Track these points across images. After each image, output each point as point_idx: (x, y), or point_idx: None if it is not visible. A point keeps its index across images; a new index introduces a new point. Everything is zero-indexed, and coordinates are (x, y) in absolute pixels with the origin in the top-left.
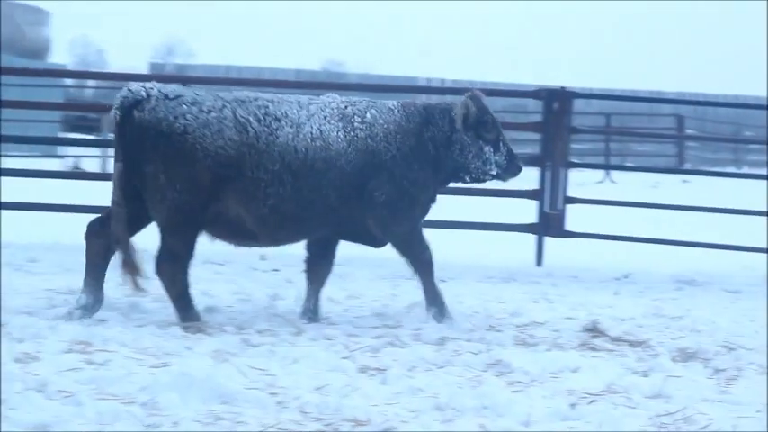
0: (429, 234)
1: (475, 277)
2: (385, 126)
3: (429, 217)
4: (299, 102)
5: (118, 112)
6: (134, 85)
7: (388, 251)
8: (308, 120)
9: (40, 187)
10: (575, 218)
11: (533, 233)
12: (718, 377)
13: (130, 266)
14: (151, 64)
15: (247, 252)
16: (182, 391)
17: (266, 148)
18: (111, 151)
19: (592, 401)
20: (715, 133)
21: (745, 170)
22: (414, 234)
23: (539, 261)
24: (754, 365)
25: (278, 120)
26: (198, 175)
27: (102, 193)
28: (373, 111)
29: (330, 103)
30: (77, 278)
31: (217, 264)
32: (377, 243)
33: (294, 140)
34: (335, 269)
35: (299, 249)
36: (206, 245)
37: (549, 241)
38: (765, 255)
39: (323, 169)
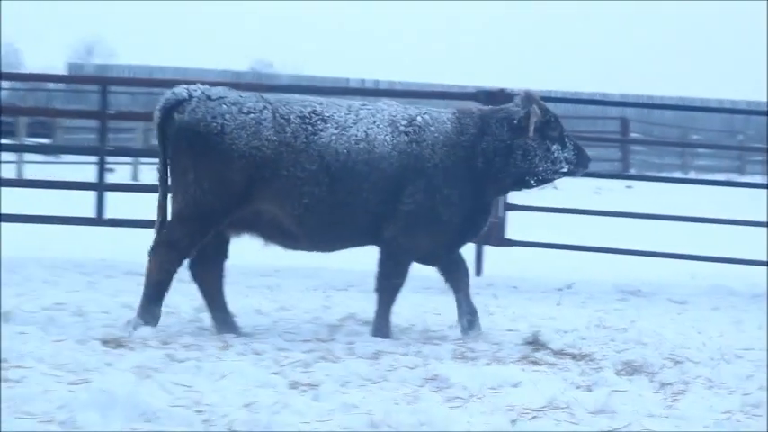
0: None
1: (410, 288)
2: (435, 135)
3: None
4: (348, 106)
5: (159, 114)
6: (178, 88)
7: (319, 260)
8: (355, 123)
9: None
10: (515, 225)
11: (472, 242)
12: (664, 391)
13: None
14: (69, 64)
15: None
16: (102, 410)
17: (305, 147)
18: (28, 156)
19: (533, 417)
20: (661, 137)
21: (692, 175)
22: (409, 256)
23: (478, 271)
24: (702, 379)
25: (324, 120)
26: (229, 177)
27: (20, 201)
28: (426, 116)
29: (383, 109)
30: None
31: (139, 275)
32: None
33: (336, 142)
34: (265, 281)
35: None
36: (126, 254)
37: (488, 250)
38: (710, 263)
39: (364, 172)
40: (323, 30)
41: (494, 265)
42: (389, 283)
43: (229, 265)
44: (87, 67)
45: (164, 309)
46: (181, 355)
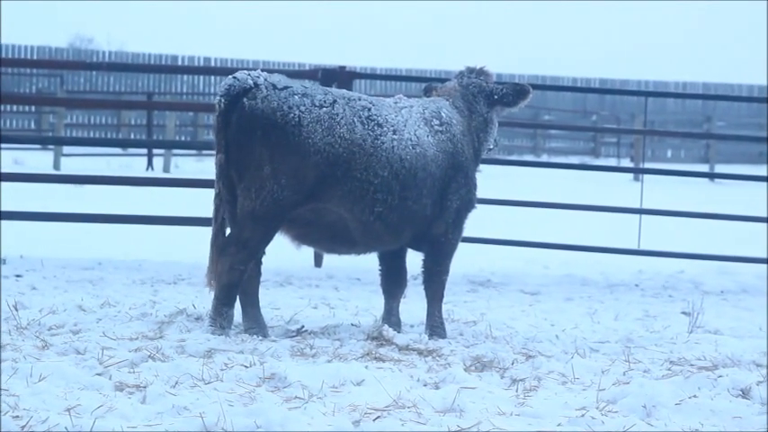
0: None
1: None
2: (458, 127)
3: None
4: (389, 105)
5: (223, 100)
6: (240, 74)
7: (145, 252)
8: (405, 126)
9: None
10: None
11: None
12: (515, 388)
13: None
14: None
15: None
16: None
17: (373, 150)
18: None
19: (377, 418)
20: (510, 117)
21: (545, 159)
22: (455, 248)
23: (318, 262)
24: (555, 374)
25: (379, 125)
26: (304, 172)
27: None
28: (445, 110)
29: (411, 106)
30: None
31: None
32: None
33: (398, 148)
34: (87, 274)
35: (46, 251)
36: None
37: None
38: (563, 251)
39: (422, 177)
40: (147, 3)
41: (334, 256)
42: (441, 279)
43: (46, 258)
44: None
45: None
46: None
